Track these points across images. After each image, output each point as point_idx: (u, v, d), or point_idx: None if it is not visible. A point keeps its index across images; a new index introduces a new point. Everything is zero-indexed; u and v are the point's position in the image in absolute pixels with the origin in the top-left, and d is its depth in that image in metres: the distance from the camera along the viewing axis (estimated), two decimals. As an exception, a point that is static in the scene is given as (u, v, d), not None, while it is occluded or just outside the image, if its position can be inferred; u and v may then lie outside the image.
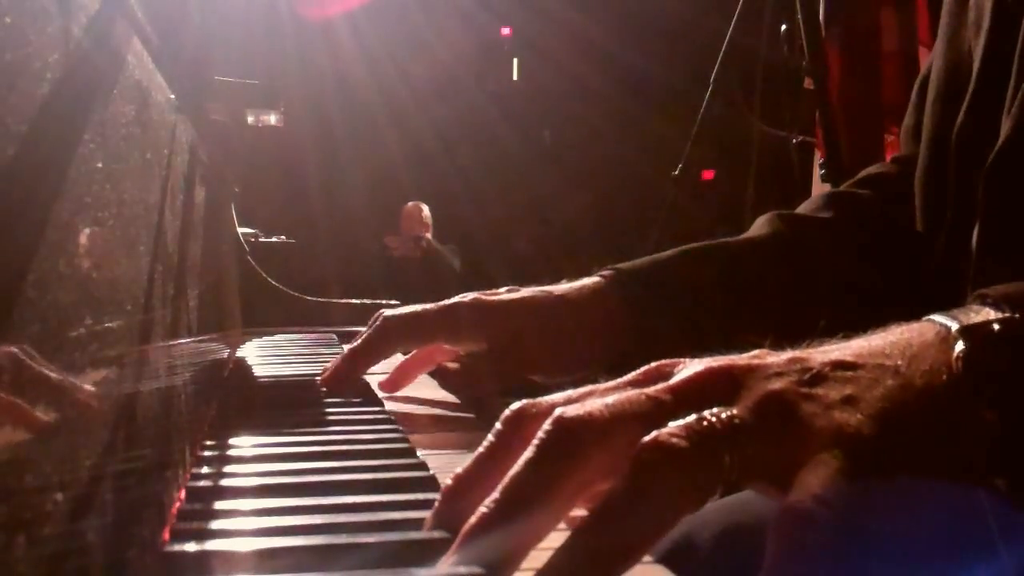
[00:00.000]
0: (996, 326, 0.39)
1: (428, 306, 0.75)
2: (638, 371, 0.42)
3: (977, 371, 0.38)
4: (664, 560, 0.39)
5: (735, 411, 0.37)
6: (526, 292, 0.76)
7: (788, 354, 0.40)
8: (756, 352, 0.41)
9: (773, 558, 0.36)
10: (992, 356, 0.38)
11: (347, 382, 0.76)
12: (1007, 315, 0.39)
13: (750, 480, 0.37)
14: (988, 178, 0.63)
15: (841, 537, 0.41)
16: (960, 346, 0.38)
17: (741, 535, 0.65)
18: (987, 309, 0.40)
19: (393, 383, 0.81)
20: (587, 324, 0.74)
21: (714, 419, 0.36)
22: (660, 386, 0.39)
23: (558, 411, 0.38)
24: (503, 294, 0.75)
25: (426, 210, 5.37)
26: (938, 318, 0.40)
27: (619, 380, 0.41)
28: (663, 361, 0.41)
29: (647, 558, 0.38)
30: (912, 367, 0.39)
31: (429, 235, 5.25)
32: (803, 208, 0.85)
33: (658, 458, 0.35)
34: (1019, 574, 0.56)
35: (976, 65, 0.67)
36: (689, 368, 0.40)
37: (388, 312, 0.76)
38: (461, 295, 0.75)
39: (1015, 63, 0.62)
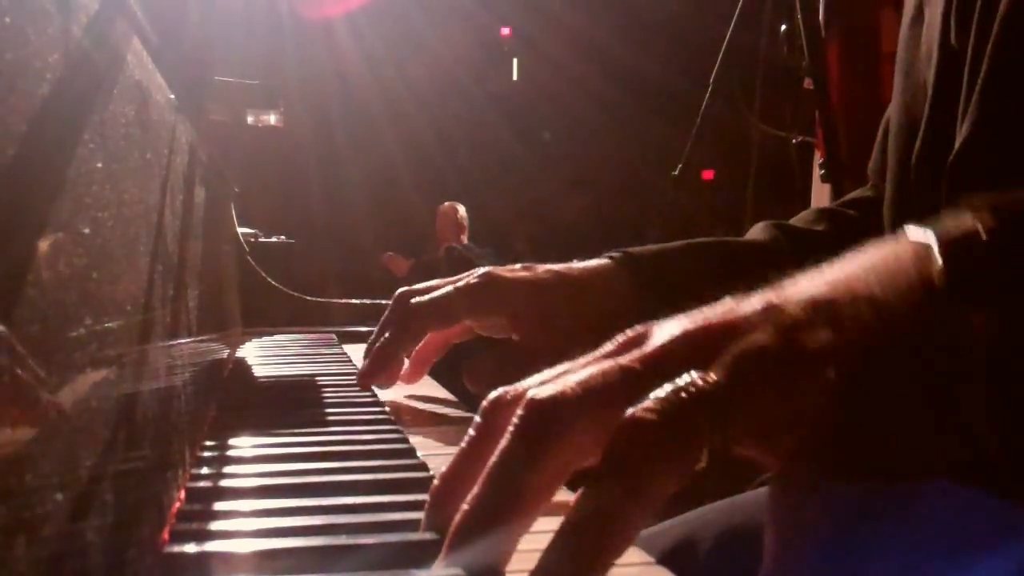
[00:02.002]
0: (980, 231, 0.37)
1: (447, 287, 0.73)
2: (613, 341, 0.41)
3: (961, 282, 0.37)
4: (665, 561, 0.39)
5: (712, 375, 0.36)
6: (541, 270, 0.75)
7: (762, 301, 0.39)
8: (730, 302, 0.40)
9: (772, 554, 0.35)
10: (975, 264, 0.37)
11: (386, 377, 0.75)
12: (985, 217, 0.37)
13: (737, 444, 0.36)
14: (948, 185, 0.64)
15: (834, 526, 0.40)
16: (939, 260, 0.37)
17: (741, 536, 0.65)
18: (965, 216, 0.38)
19: (412, 374, 0.79)
20: (602, 304, 0.74)
21: (689, 387, 0.36)
22: (634, 354, 0.38)
23: (530, 393, 0.37)
24: (520, 271, 0.75)
25: (462, 210, 5.04)
26: (914, 230, 0.39)
27: (595, 353, 0.40)
28: (637, 328, 0.40)
29: (647, 558, 0.38)
30: (890, 291, 0.38)
31: (464, 237, 4.95)
32: (796, 221, 0.85)
33: (634, 437, 0.34)
34: (1019, 574, 0.56)
35: (929, 93, 0.68)
36: (663, 333, 0.39)
37: (413, 300, 0.74)
38: (474, 271, 0.74)
39: (963, 86, 0.63)
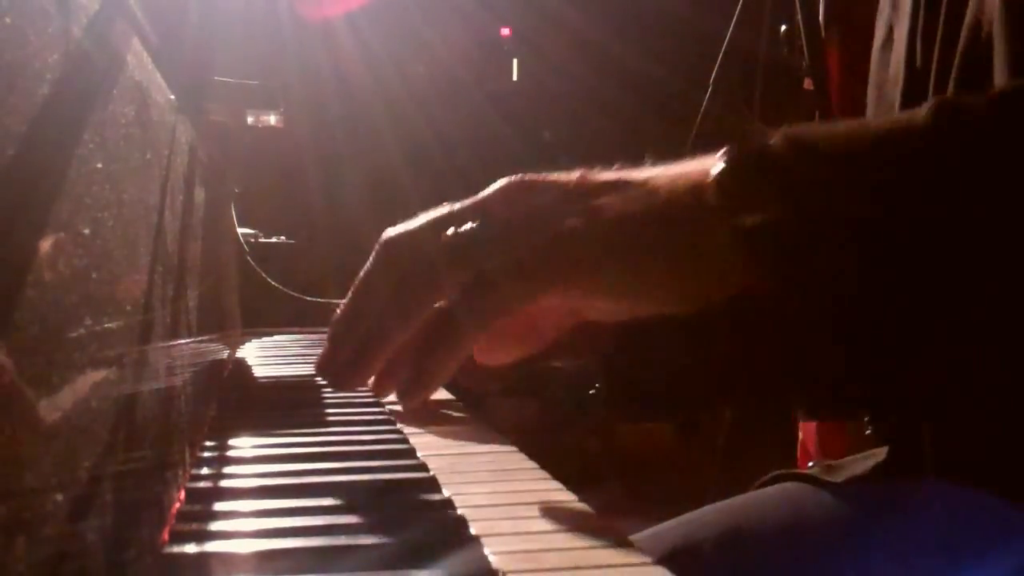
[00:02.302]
0: (778, 149, 0.43)
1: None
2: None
3: (728, 184, 0.43)
4: (665, 561, 0.39)
5: (491, 226, 0.48)
6: None
7: (581, 175, 0.49)
8: (578, 172, 0.49)
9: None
10: (745, 174, 0.43)
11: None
12: (777, 138, 0.44)
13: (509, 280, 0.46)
14: None
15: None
16: (720, 166, 0.44)
17: (741, 536, 0.65)
18: (765, 138, 0.44)
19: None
20: None
21: (468, 231, 0.48)
22: (467, 201, 0.52)
23: (384, 234, 0.54)
24: None
25: None
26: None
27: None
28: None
29: (647, 559, 0.38)
30: (672, 183, 0.45)
31: None
32: None
33: (419, 268, 0.50)
34: (1019, 574, 0.56)
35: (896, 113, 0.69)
36: (498, 182, 0.52)
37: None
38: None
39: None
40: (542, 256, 0.46)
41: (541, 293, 0.47)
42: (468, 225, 0.48)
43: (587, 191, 0.47)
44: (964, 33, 0.60)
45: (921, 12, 0.65)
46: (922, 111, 0.42)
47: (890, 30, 0.72)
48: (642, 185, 0.46)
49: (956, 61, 0.61)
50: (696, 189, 0.44)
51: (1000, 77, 0.56)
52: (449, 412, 0.75)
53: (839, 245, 0.41)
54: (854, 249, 0.41)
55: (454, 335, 0.50)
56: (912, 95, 0.66)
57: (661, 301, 0.46)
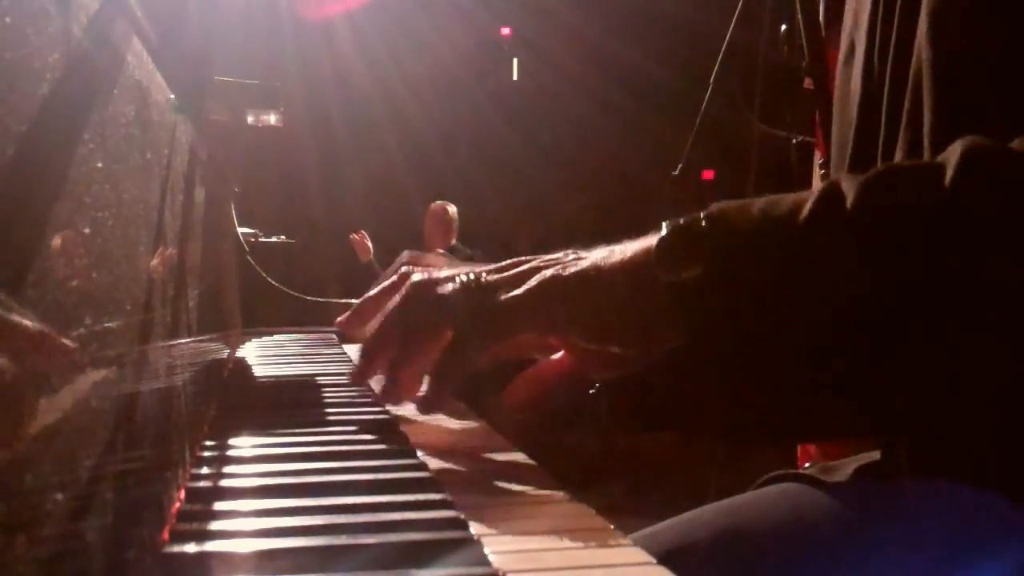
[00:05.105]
0: (703, 222, 0.52)
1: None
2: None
3: (661, 249, 0.52)
4: (664, 561, 0.39)
5: (501, 275, 0.59)
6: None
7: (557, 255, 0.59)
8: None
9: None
10: (677, 240, 0.52)
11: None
12: (713, 211, 0.52)
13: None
14: None
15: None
16: (661, 234, 0.53)
17: (741, 536, 0.65)
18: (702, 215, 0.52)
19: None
20: None
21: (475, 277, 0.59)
22: (490, 267, 0.61)
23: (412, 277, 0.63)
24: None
25: (452, 210, 4.86)
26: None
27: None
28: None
29: (647, 558, 0.38)
30: (623, 249, 0.55)
31: (454, 238, 4.79)
32: None
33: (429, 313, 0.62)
34: (1019, 574, 0.56)
35: (853, 128, 0.70)
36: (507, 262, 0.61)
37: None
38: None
39: (882, 122, 0.65)
40: (521, 304, 0.57)
41: (517, 333, 0.59)
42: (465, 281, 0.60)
43: (558, 259, 0.58)
44: (916, 52, 0.60)
45: (878, 28, 0.65)
46: (814, 195, 0.51)
47: (852, 45, 0.72)
48: (601, 255, 0.57)
49: (910, 79, 0.61)
50: (645, 252, 0.54)
51: (928, 120, 0.59)
52: (451, 413, 0.75)
53: (746, 302, 0.50)
54: (755, 306, 0.50)
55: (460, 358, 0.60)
56: (869, 110, 0.67)
57: (619, 344, 0.56)
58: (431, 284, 0.62)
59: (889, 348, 0.48)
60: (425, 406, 0.64)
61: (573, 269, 0.56)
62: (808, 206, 0.50)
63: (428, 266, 0.71)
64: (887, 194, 0.49)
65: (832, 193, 0.50)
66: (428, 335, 0.62)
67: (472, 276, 0.60)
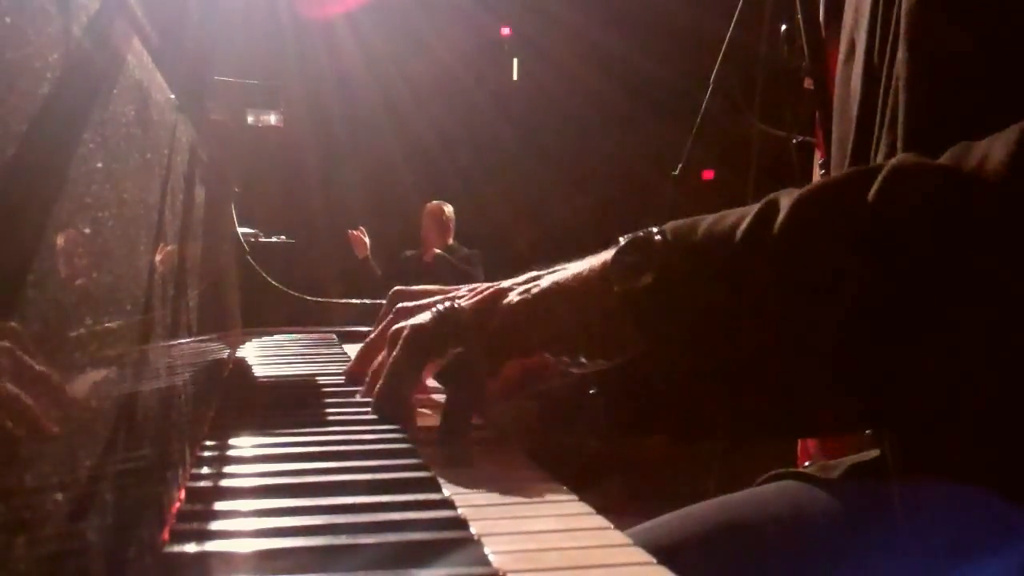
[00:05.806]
0: (656, 235, 0.56)
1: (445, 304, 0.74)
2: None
3: (617, 259, 0.57)
4: (663, 559, 0.39)
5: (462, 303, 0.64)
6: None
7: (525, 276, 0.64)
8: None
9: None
10: (633, 252, 0.56)
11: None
12: (666, 229, 0.56)
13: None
14: None
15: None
16: (613, 252, 0.57)
17: (739, 533, 0.65)
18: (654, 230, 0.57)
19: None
20: None
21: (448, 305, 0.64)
22: (461, 292, 0.67)
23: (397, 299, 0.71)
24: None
25: (448, 210, 4.83)
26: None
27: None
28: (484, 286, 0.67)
29: (647, 558, 0.38)
30: (580, 265, 0.60)
31: (450, 238, 4.74)
32: None
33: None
34: (1019, 574, 0.56)
35: (853, 126, 0.70)
36: (472, 288, 0.67)
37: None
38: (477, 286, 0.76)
39: (878, 119, 0.65)
40: (501, 335, 0.62)
41: (506, 361, 0.64)
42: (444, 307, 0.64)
43: (525, 280, 0.63)
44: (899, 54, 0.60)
45: (878, 28, 0.65)
46: (752, 211, 0.54)
47: (852, 45, 0.72)
48: (560, 274, 0.61)
49: (904, 76, 0.61)
50: (602, 265, 0.58)
51: (901, 119, 0.60)
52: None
53: (690, 311, 0.54)
54: (698, 314, 0.54)
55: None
56: (869, 110, 0.67)
57: (586, 353, 0.59)
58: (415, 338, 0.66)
59: (817, 359, 0.52)
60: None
61: (536, 291, 0.61)
62: (744, 224, 0.54)
63: (415, 297, 0.72)
64: (813, 212, 0.53)
65: (767, 212, 0.54)
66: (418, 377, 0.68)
67: (448, 307, 0.64)
